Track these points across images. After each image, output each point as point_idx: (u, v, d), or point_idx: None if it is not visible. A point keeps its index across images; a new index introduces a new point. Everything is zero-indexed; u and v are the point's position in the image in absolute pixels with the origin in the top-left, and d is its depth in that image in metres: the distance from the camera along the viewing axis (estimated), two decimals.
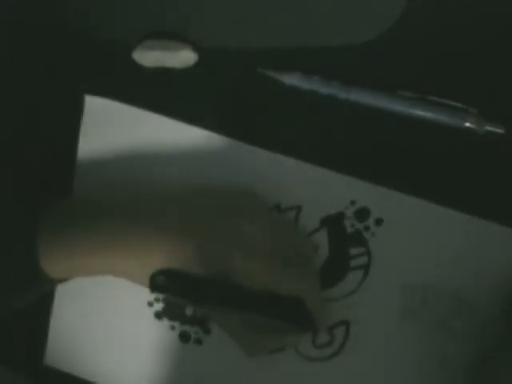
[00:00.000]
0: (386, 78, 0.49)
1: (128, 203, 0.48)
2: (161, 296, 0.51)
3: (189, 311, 0.51)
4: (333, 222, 0.51)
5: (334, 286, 0.50)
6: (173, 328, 0.52)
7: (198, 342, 0.51)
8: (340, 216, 0.50)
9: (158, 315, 0.52)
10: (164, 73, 0.51)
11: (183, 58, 0.50)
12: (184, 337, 0.52)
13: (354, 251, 0.50)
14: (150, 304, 0.52)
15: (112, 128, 0.51)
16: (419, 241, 0.50)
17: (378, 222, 0.50)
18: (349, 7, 0.48)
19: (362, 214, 0.50)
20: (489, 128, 0.49)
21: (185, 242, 0.45)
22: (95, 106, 0.51)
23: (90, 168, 0.52)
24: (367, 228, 0.50)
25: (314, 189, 0.50)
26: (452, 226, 0.49)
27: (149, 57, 0.50)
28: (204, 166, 0.51)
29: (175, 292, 0.42)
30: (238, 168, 0.51)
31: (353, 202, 0.50)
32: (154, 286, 0.42)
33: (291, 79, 0.50)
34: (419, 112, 0.49)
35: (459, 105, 0.49)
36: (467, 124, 0.49)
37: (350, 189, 0.50)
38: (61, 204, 0.48)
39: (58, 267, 0.47)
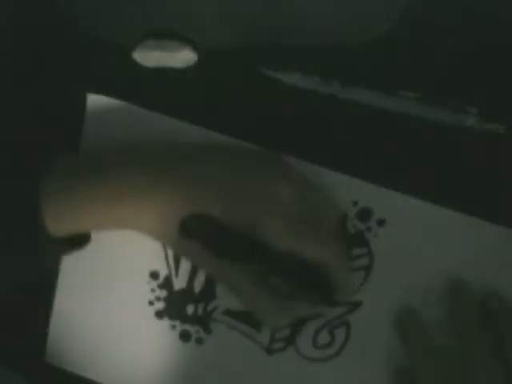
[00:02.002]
0: (386, 78, 0.49)
1: (147, 155, 0.47)
2: (162, 295, 0.51)
3: (190, 310, 0.51)
4: None
5: None
6: (173, 327, 0.52)
7: (199, 341, 0.51)
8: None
9: (159, 314, 0.52)
10: (164, 73, 0.51)
11: (183, 57, 0.50)
12: (185, 336, 0.52)
13: (355, 252, 0.50)
14: (151, 303, 0.52)
15: (114, 126, 0.51)
16: (421, 242, 0.50)
17: (380, 222, 0.50)
18: (349, 7, 0.48)
19: (364, 214, 0.50)
20: (489, 128, 0.48)
21: (210, 195, 0.45)
22: (97, 105, 0.51)
23: None
24: (369, 229, 0.50)
25: None
26: (454, 228, 0.49)
27: (149, 57, 0.50)
28: None
29: (202, 238, 0.41)
30: None
31: (355, 203, 0.50)
32: (183, 230, 0.40)
33: (291, 79, 0.49)
34: (419, 112, 0.49)
35: (459, 105, 0.49)
36: (467, 124, 0.48)
37: (352, 189, 0.50)
38: (71, 158, 0.48)
39: (67, 220, 0.46)
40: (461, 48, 0.49)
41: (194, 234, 0.41)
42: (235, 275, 0.47)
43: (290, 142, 0.50)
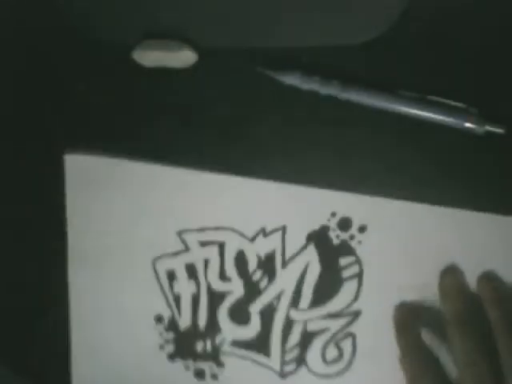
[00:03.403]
0: (386, 78, 0.49)
1: None
2: (170, 337, 0.51)
3: (199, 347, 0.51)
4: (318, 237, 0.50)
5: (332, 299, 0.50)
6: (187, 367, 0.51)
7: (214, 377, 0.51)
8: (324, 229, 0.50)
9: (171, 357, 0.51)
10: (164, 73, 0.51)
11: (183, 57, 0.50)
12: (199, 374, 0.51)
13: (343, 262, 0.50)
14: (162, 347, 0.51)
15: (97, 184, 0.51)
16: (407, 241, 0.49)
17: (362, 229, 0.50)
18: (349, 7, 0.48)
19: (345, 223, 0.50)
20: (489, 128, 0.48)
21: None
22: (76, 165, 0.51)
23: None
24: (352, 237, 0.50)
25: (295, 207, 0.50)
26: (438, 222, 0.49)
27: (149, 57, 0.50)
28: None
29: None
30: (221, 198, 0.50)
31: (333, 214, 0.50)
32: None
33: (291, 79, 0.49)
34: (419, 112, 0.49)
35: (459, 105, 0.49)
36: (467, 124, 0.48)
37: (329, 201, 0.50)
38: None
39: None
40: (461, 48, 0.49)
41: None
42: None
43: (289, 143, 0.50)
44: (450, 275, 0.49)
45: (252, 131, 0.51)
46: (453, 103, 0.49)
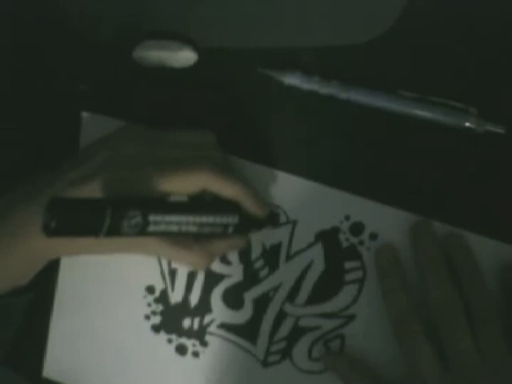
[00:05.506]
0: (386, 78, 0.49)
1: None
2: (158, 309, 0.51)
3: (186, 324, 0.51)
4: (328, 237, 0.50)
5: (330, 300, 0.50)
6: (170, 341, 0.51)
7: (195, 354, 0.51)
8: (335, 230, 0.50)
9: (155, 328, 0.52)
10: (164, 73, 0.51)
11: (183, 57, 0.50)
12: (181, 350, 0.51)
13: (348, 265, 0.50)
14: (147, 317, 0.52)
15: None
16: (413, 255, 0.49)
17: (373, 236, 0.50)
18: (349, 7, 0.48)
19: (357, 228, 0.50)
20: (489, 128, 0.49)
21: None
22: (92, 123, 0.51)
23: None
24: (362, 242, 0.50)
25: (310, 204, 0.50)
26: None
27: (149, 57, 0.50)
28: None
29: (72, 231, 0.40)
30: None
31: (347, 217, 0.50)
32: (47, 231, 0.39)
33: (291, 79, 0.50)
34: (419, 112, 0.49)
35: (459, 105, 0.49)
36: (467, 124, 0.48)
37: (344, 204, 0.50)
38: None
39: None
40: (460, 48, 0.49)
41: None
42: None
43: (289, 143, 0.50)
44: (424, 226, 0.49)
45: (252, 131, 0.50)
46: (453, 103, 0.49)
